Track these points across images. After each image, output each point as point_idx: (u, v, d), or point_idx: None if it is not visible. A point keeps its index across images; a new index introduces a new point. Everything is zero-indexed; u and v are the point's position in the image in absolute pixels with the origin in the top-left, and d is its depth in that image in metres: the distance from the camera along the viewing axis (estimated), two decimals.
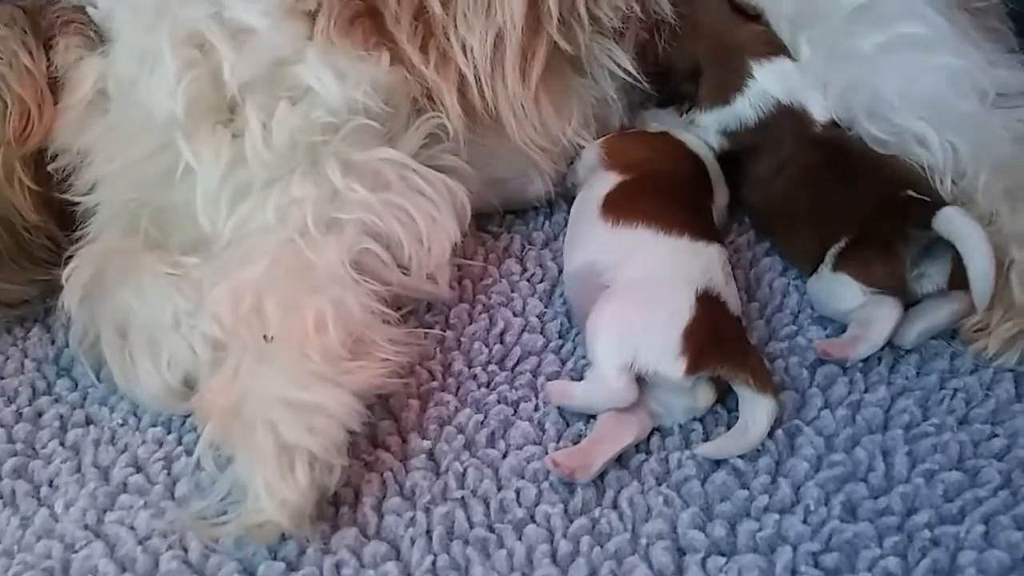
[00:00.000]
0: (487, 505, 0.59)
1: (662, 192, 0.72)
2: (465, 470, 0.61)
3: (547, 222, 0.82)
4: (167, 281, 0.67)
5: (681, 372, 0.61)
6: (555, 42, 0.74)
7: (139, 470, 0.63)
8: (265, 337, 0.61)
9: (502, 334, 0.72)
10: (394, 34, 0.72)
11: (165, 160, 0.68)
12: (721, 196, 0.78)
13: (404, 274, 0.69)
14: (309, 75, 0.68)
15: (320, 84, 0.68)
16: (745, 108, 0.75)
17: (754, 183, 0.76)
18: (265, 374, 0.60)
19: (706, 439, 0.63)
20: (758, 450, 0.61)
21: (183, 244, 0.69)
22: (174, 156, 0.68)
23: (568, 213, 0.79)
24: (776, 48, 0.76)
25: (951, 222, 0.63)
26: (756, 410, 0.61)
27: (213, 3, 0.70)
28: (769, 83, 0.74)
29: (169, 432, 0.65)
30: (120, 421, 0.66)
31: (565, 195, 0.82)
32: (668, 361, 0.61)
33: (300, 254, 0.65)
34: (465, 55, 0.73)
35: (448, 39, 0.73)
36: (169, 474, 0.62)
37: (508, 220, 0.83)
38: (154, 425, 0.66)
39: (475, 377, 0.68)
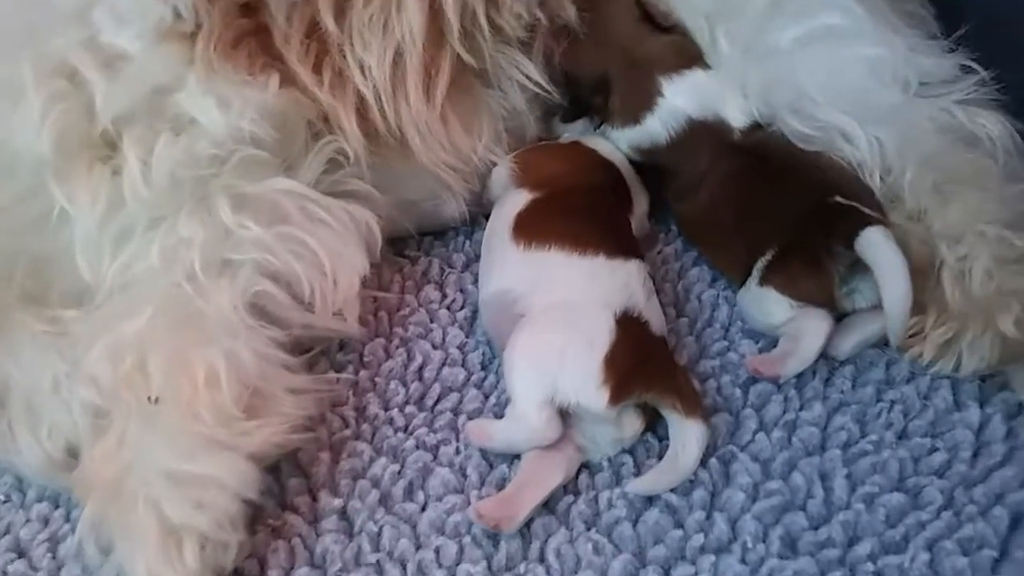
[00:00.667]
0: (404, 568, 0.55)
1: (576, 208, 0.68)
2: (380, 529, 0.57)
3: (467, 242, 0.78)
4: (45, 340, 0.61)
5: (604, 402, 0.57)
6: (459, 55, 0.69)
7: (21, 555, 0.57)
8: (150, 399, 0.56)
9: (421, 369, 0.67)
10: (284, 54, 0.66)
11: (37, 205, 0.62)
12: (640, 203, 0.74)
13: (309, 313, 0.64)
14: (190, 104, 0.63)
15: (202, 113, 0.62)
16: (656, 127, 0.71)
17: (676, 193, 0.73)
18: (150, 442, 0.54)
19: (637, 472, 0.59)
20: (691, 481, 0.58)
21: (63, 296, 0.63)
22: (46, 200, 0.62)
23: None
24: (688, 59, 0.72)
25: (872, 247, 0.60)
26: (686, 436, 0.57)
27: (83, 27, 0.64)
28: (679, 100, 0.71)
29: (56, 507, 0.60)
30: (2, 497, 0.61)
31: (485, 212, 0.78)
32: (590, 392, 0.57)
33: (188, 302, 0.59)
34: (363, 74, 0.68)
35: (344, 58, 0.67)
36: (54, 558, 0.57)
37: (426, 242, 0.78)
38: (40, 500, 0.60)
39: (391, 421, 0.64)
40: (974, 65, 0.71)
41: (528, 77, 0.72)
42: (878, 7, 0.73)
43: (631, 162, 0.74)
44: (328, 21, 0.67)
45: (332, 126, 0.67)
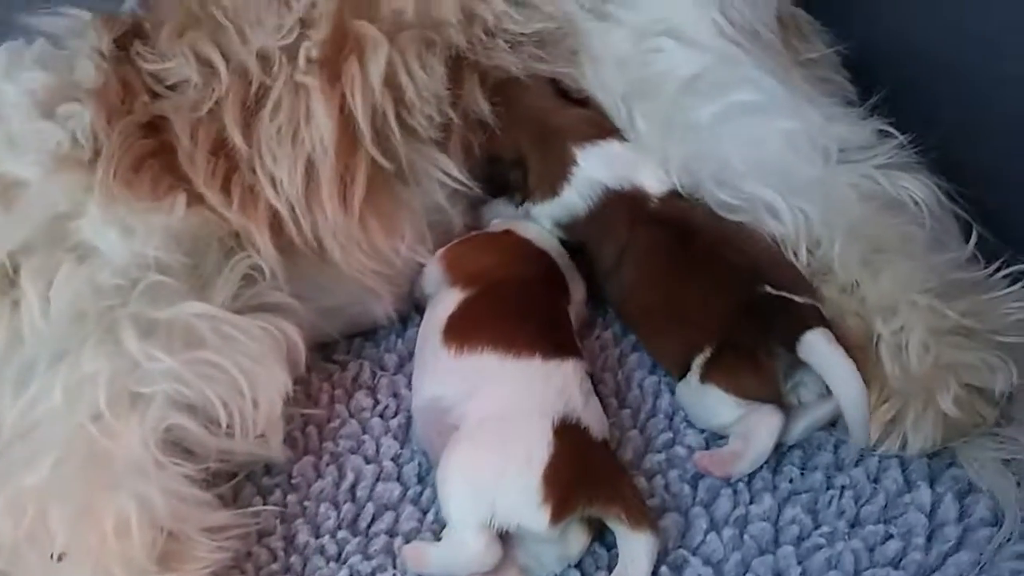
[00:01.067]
0: None
1: (509, 305, 0.65)
2: None
3: (399, 340, 0.75)
4: None
5: (546, 523, 0.54)
6: (373, 159, 0.68)
7: None
8: (53, 556, 0.52)
9: (353, 488, 0.64)
10: (190, 175, 0.64)
11: None
12: (578, 291, 0.72)
13: (228, 439, 0.61)
14: (91, 233, 0.61)
15: (104, 243, 0.60)
16: (573, 199, 0.70)
17: (605, 273, 0.70)
18: None
19: None
20: None
21: None
22: None
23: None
24: (602, 131, 0.71)
25: (815, 352, 0.59)
26: (634, 549, 0.55)
27: None
28: (594, 169, 0.70)
29: None
30: None
31: (418, 306, 0.75)
32: (530, 512, 0.54)
33: (93, 444, 0.56)
34: (275, 188, 0.66)
35: (254, 173, 0.66)
36: None
37: (356, 344, 0.75)
38: None
39: (323, 550, 0.60)
40: (891, 129, 0.72)
41: (446, 174, 0.70)
42: (791, 78, 0.73)
43: (564, 245, 0.72)
44: (235, 136, 0.65)
45: (244, 243, 0.65)
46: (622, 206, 0.69)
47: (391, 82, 0.68)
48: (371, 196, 0.68)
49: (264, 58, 0.68)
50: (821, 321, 0.61)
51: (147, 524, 0.53)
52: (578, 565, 0.57)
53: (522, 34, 0.72)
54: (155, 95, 0.67)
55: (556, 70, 0.73)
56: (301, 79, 0.67)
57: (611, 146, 0.70)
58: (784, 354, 0.60)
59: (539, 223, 0.72)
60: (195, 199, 0.64)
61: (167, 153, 0.65)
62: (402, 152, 0.69)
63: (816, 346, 0.59)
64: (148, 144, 0.64)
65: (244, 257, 0.65)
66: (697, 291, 0.64)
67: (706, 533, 0.58)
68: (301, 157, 0.66)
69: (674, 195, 0.70)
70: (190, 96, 0.66)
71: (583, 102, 0.73)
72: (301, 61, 0.67)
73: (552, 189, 0.71)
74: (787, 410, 0.61)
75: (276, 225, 0.66)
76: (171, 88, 0.67)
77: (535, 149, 0.72)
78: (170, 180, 0.64)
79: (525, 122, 0.72)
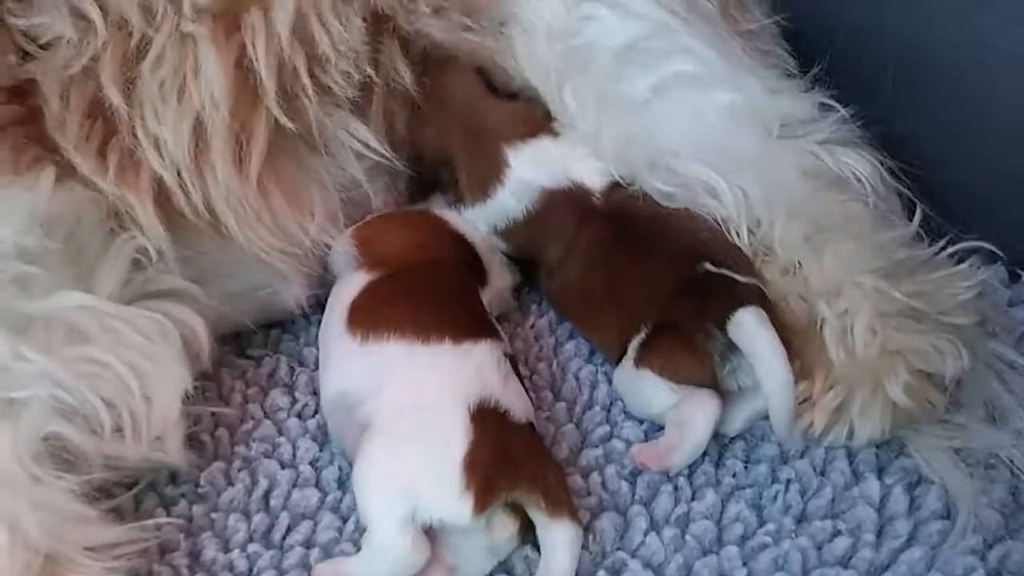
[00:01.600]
0: None
1: (416, 289, 0.61)
2: None
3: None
4: None
5: (469, 511, 0.50)
6: (276, 120, 0.61)
7: None
8: None
9: (267, 496, 0.58)
10: (59, 142, 0.57)
11: None
12: (499, 279, 0.67)
13: (118, 445, 0.54)
14: None
15: None
16: (508, 202, 0.66)
17: (548, 271, 0.66)
18: None
19: None
20: None
21: None
22: None
23: None
24: (534, 127, 0.67)
25: (744, 333, 0.56)
26: (555, 542, 0.51)
27: None
28: (527, 170, 0.65)
29: None
30: None
31: None
32: (452, 503, 0.50)
33: None
34: (159, 152, 0.58)
35: (135, 136, 0.58)
36: None
37: (273, 337, 0.69)
38: None
39: (231, 566, 0.54)
40: (833, 103, 0.69)
41: (362, 143, 0.64)
42: (731, 49, 0.69)
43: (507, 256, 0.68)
44: (112, 95, 0.58)
45: (126, 221, 0.58)
46: (565, 205, 0.65)
47: (301, 34, 0.61)
48: (272, 162, 0.62)
49: (146, 8, 0.60)
50: (759, 300, 0.58)
51: (19, 546, 0.47)
52: (508, 569, 0.53)
53: None
54: (26, 55, 0.59)
55: (485, 44, 0.67)
56: (188, 28, 0.60)
57: (544, 143, 0.66)
58: (720, 335, 0.57)
59: (472, 226, 0.67)
60: (67, 172, 0.56)
61: (33, 120, 0.57)
62: (311, 113, 0.62)
63: (745, 325, 0.56)
64: (10, 111, 0.56)
65: (128, 238, 0.58)
66: (636, 275, 0.61)
67: (646, 534, 0.55)
68: (188, 114, 0.59)
69: (614, 186, 0.66)
70: (63, 54, 0.58)
71: (513, 95, 0.68)
72: (187, 9, 0.60)
73: (484, 192, 0.66)
74: (726, 397, 0.58)
75: (161, 196, 0.59)
76: (44, 48, 0.59)
77: (464, 150, 0.67)
78: (36, 151, 0.56)
79: (453, 120, 0.67)
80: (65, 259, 0.54)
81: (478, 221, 0.67)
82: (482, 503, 0.51)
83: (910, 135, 0.70)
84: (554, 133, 0.67)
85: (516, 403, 0.56)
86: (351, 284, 0.62)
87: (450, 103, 0.67)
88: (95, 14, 0.58)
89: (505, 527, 0.53)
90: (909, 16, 0.77)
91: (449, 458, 0.51)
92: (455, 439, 0.52)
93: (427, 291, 0.61)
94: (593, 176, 0.65)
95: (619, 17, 0.66)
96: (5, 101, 0.56)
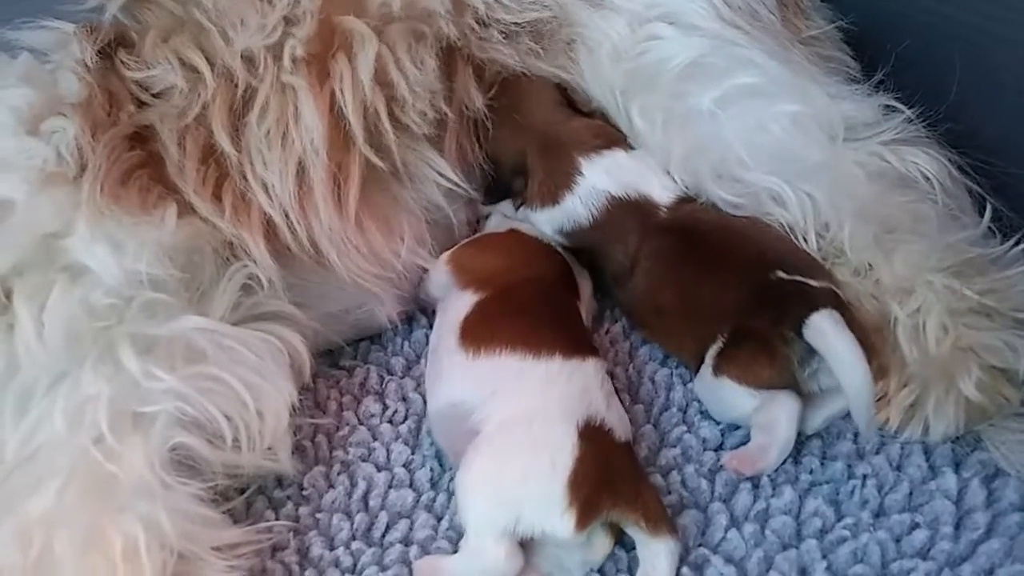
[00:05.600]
0: None
1: (525, 306, 0.64)
2: None
3: (406, 343, 0.73)
4: None
5: (571, 529, 0.53)
6: (367, 159, 0.66)
7: None
8: None
9: (365, 496, 0.63)
10: (179, 184, 0.63)
11: None
12: (585, 288, 0.70)
13: (235, 455, 0.59)
14: (81, 251, 0.59)
15: (94, 260, 0.58)
16: (576, 206, 0.68)
17: (613, 278, 0.69)
18: None
19: None
20: None
21: None
22: None
23: (429, 327, 0.70)
24: (608, 141, 0.69)
25: (821, 336, 0.57)
26: (655, 556, 0.53)
27: None
28: (598, 179, 0.68)
29: None
30: None
31: (423, 308, 0.74)
32: (555, 518, 0.53)
33: (98, 467, 0.54)
34: (267, 194, 0.64)
35: (245, 179, 0.64)
36: None
37: (363, 348, 0.74)
38: None
39: (338, 562, 0.59)
40: (897, 104, 0.70)
41: (440, 174, 0.69)
42: (793, 58, 0.71)
43: (566, 250, 0.70)
44: (223, 142, 0.63)
45: (240, 252, 0.63)
46: (631, 214, 0.68)
47: (382, 78, 0.67)
48: (366, 197, 0.67)
49: (249, 59, 0.66)
50: (834, 303, 0.59)
51: (156, 547, 0.52)
52: (599, 570, 0.56)
53: (515, 24, 0.70)
54: (141, 104, 0.65)
55: (554, 65, 0.71)
56: (288, 79, 0.65)
57: (616, 155, 0.69)
58: (797, 339, 0.58)
59: (538, 228, 0.70)
60: (186, 209, 0.62)
61: (155, 164, 0.63)
62: (396, 150, 0.67)
63: (821, 328, 0.57)
64: (135, 156, 0.63)
65: (241, 267, 0.63)
66: (709, 286, 0.63)
67: (727, 530, 0.57)
68: (292, 159, 0.64)
69: (682, 200, 0.68)
70: (176, 103, 0.65)
71: (590, 113, 0.72)
72: (287, 60, 0.66)
73: (553, 198, 0.69)
74: (806, 398, 0.60)
75: (270, 232, 0.64)
76: (157, 96, 0.66)
77: (539, 160, 0.70)
78: (159, 191, 0.62)
79: (530, 132, 0.71)
80: (185, 287, 0.60)
81: (544, 223, 0.70)
82: (584, 521, 0.53)
83: (980, 131, 0.70)
84: (629, 148, 0.70)
85: (618, 422, 0.58)
86: (460, 303, 0.65)
87: (529, 115, 0.71)
88: (203, 66, 0.64)
89: (602, 543, 0.55)
90: (974, 12, 0.77)
91: (556, 474, 0.53)
92: (563, 455, 0.54)
93: (535, 308, 0.63)
94: (661, 191, 0.68)
95: (682, 35, 0.69)
96: (129, 148, 0.62)
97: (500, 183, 0.72)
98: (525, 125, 0.71)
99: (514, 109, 0.71)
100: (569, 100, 0.72)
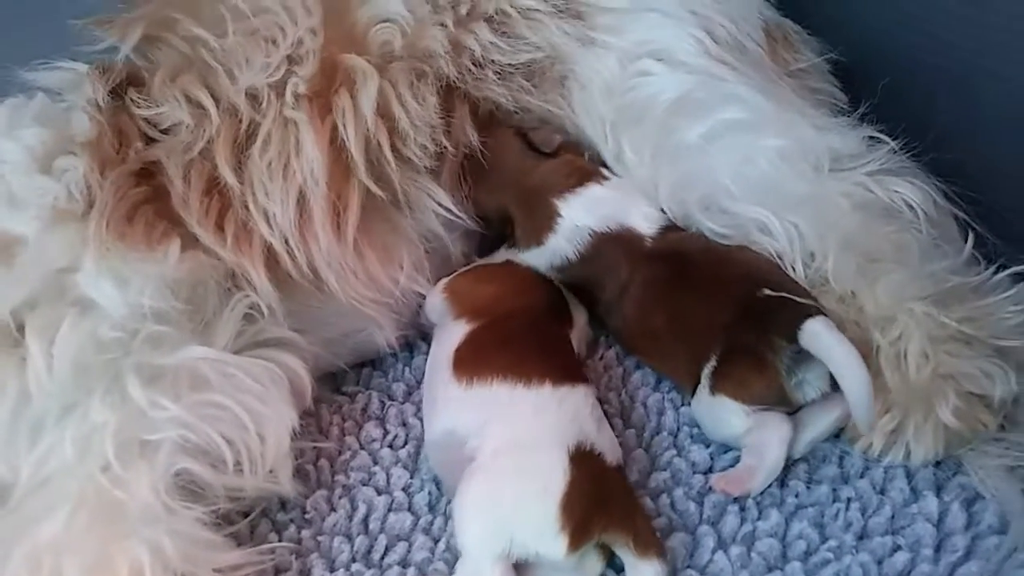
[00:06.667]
0: None
1: (515, 336, 0.66)
2: None
3: (407, 368, 0.76)
4: None
5: (563, 550, 0.54)
6: (367, 188, 0.68)
7: None
8: None
9: (366, 519, 0.64)
10: (183, 216, 0.65)
11: None
12: (579, 317, 0.72)
13: (238, 479, 0.61)
14: (88, 286, 0.61)
15: (101, 295, 0.61)
16: (561, 244, 0.71)
17: (606, 308, 0.71)
18: None
19: None
20: None
21: None
22: None
23: (428, 353, 0.72)
24: (580, 177, 0.72)
25: (816, 339, 0.59)
26: None
27: None
28: (577, 216, 0.70)
29: None
30: None
31: (423, 334, 0.76)
32: (548, 540, 0.54)
33: (105, 494, 0.57)
34: (268, 223, 0.66)
35: (247, 209, 0.66)
36: None
37: (365, 374, 0.76)
38: None
39: None
40: (882, 136, 0.72)
41: (439, 204, 0.71)
42: (779, 91, 0.73)
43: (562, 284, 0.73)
44: (227, 174, 0.66)
45: (241, 282, 0.66)
46: (617, 246, 0.70)
47: (384, 112, 0.69)
48: (366, 225, 0.69)
49: (253, 96, 0.69)
50: (822, 313, 0.61)
51: (160, 570, 0.54)
52: None
53: (510, 65, 0.73)
54: (149, 140, 0.68)
55: (544, 100, 0.73)
56: (290, 114, 0.68)
57: (591, 190, 0.71)
58: (786, 347, 0.60)
59: (532, 264, 0.73)
60: (189, 242, 0.65)
61: (160, 198, 0.66)
62: (397, 181, 0.69)
63: (817, 332, 0.59)
64: (141, 192, 0.65)
65: (243, 297, 0.66)
66: (698, 307, 0.65)
67: (713, 552, 0.58)
68: (293, 189, 0.67)
69: (666, 229, 0.70)
70: (182, 138, 0.67)
71: (555, 152, 0.73)
72: (289, 96, 0.68)
73: (537, 239, 0.71)
74: (794, 415, 0.62)
75: (271, 260, 0.67)
76: (165, 132, 0.68)
77: (519, 210, 0.73)
78: (164, 226, 0.64)
79: (505, 181, 0.73)
80: (189, 318, 0.63)
81: (534, 261, 0.72)
82: (576, 543, 0.54)
83: (964, 160, 0.72)
84: (602, 179, 0.72)
85: (608, 447, 0.60)
86: (453, 333, 0.67)
87: (500, 166, 0.73)
88: (208, 103, 0.67)
89: (594, 566, 0.57)
90: (958, 47, 0.79)
91: (548, 498, 0.55)
92: (555, 480, 0.56)
93: (526, 338, 0.65)
94: (643, 222, 0.70)
95: (670, 71, 0.72)
96: (135, 184, 0.65)
97: (492, 232, 0.74)
98: (498, 179, 0.73)
99: (485, 165, 0.73)
100: (530, 144, 0.74)
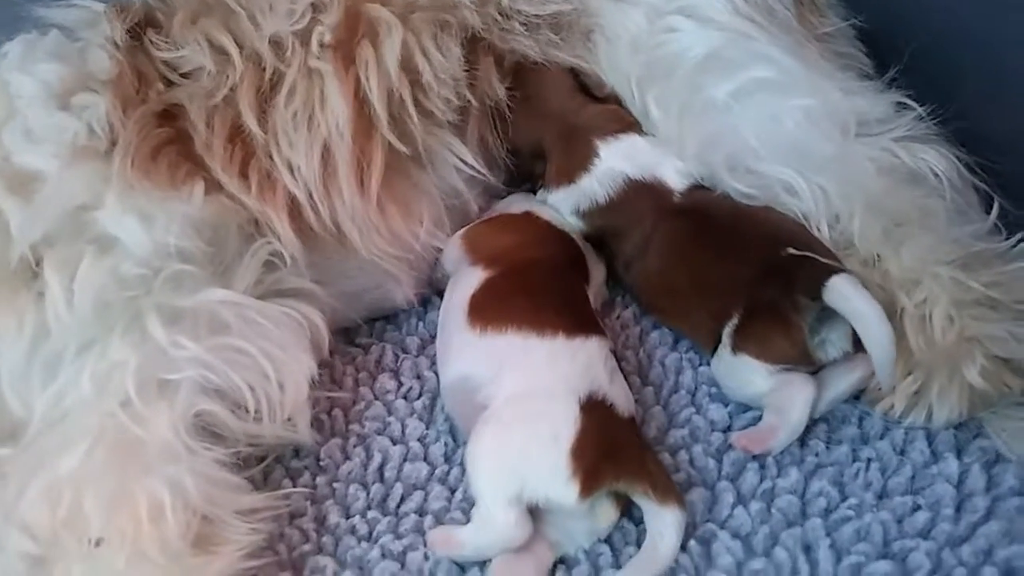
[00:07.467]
0: None
1: (532, 285, 0.66)
2: None
3: (420, 323, 0.75)
4: None
5: (575, 496, 0.55)
6: (390, 144, 0.68)
7: None
8: (90, 541, 0.52)
9: (381, 468, 0.64)
10: (207, 161, 0.64)
11: None
12: (597, 273, 0.72)
13: (256, 424, 0.61)
14: (111, 223, 0.60)
15: (124, 232, 0.60)
16: (593, 186, 0.70)
17: (626, 262, 0.71)
18: None
19: (616, 563, 0.56)
20: (673, 568, 0.55)
21: None
22: None
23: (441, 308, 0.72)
24: (624, 125, 0.71)
25: (841, 295, 0.59)
26: (662, 524, 0.55)
27: None
28: (615, 161, 0.70)
29: None
30: None
31: (437, 291, 0.75)
32: (559, 486, 0.55)
33: (124, 430, 0.56)
34: (292, 174, 0.66)
35: (271, 159, 0.66)
36: None
37: (378, 328, 0.76)
38: None
39: (354, 530, 0.61)
40: (909, 101, 0.71)
41: (462, 160, 0.70)
42: (807, 54, 0.73)
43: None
44: (251, 122, 0.65)
45: (264, 229, 0.65)
46: (646, 196, 0.69)
47: (407, 65, 0.68)
48: (388, 180, 0.68)
49: (277, 44, 0.67)
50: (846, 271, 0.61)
51: (181, 508, 0.54)
52: (607, 540, 0.58)
53: (537, 16, 0.72)
54: (169, 83, 0.67)
55: (572, 55, 0.73)
56: (315, 64, 0.67)
57: (633, 139, 0.71)
58: (809, 305, 0.60)
59: (556, 209, 0.72)
60: (213, 186, 0.64)
61: (184, 141, 0.65)
62: (419, 136, 0.69)
63: (842, 289, 0.59)
64: (164, 132, 0.64)
65: (264, 243, 0.65)
66: (721, 264, 0.64)
67: (733, 507, 0.59)
68: (317, 142, 0.66)
69: (694, 188, 0.70)
70: (204, 83, 0.66)
71: (604, 99, 0.73)
72: (314, 46, 0.67)
73: (570, 177, 0.71)
74: (815, 374, 0.61)
75: (294, 210, 0.66)
76: (185, 76, 0.67)
77: (557, 144, 0.72)
78: (188, 167, 0.64)
79: (547, 119, 0.73)
80: (210, 260, 0.62)
81: (561, 203, 0.72)
82: (587, 489, 0.55)
83: (988, 130, 0.72)
84: (643, 133, 0.71)
85: (620, 398, 0.60)
86: (470, 279, 0.67)
87: (546, 102, 0.72)
88: (232, 48, 0.66)
89: (607, 513, 0.57)
90: (984, 15, 0.79)
91: (558, 445, 0.55)
92: (565, 428, 0.56)
93: (542, 288, 0.65)
94: (674, 175, 0.69)
95: (699, 28, 0.71)
96: (158, 125, 0.64)
97: (521, 168, 0.74)
98: (542, 112, 0.72)
99: (531, 97, 0.73)
100: (582, 86, 0.73)
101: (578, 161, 0.70)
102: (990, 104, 0.75)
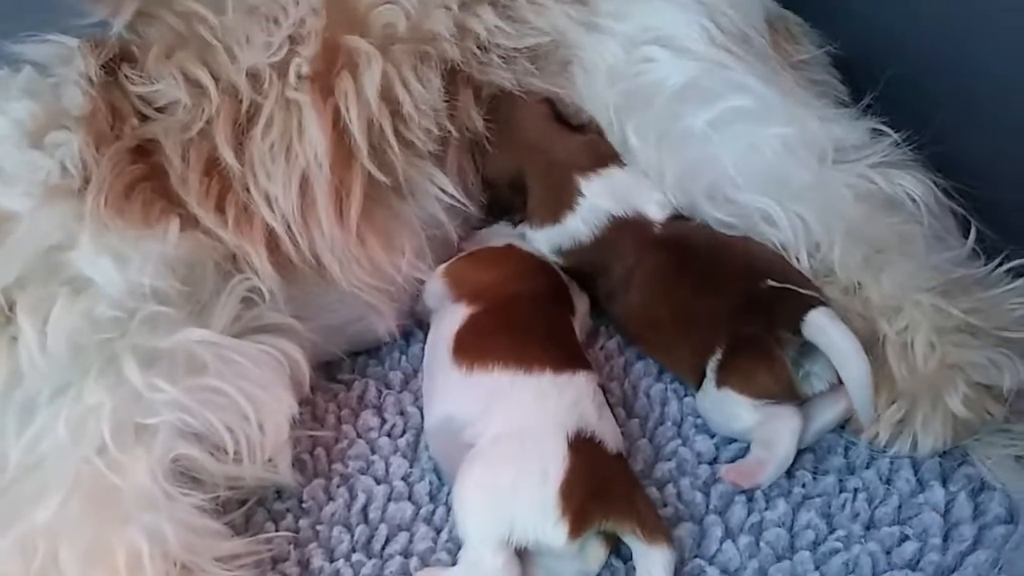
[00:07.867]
0: None
1: (517, 321, 0.65)
2: None
3: (403, 357, 0.74)
4: None
5: (564, 537, 0.54)
6: (370, 174, 0.67)
7: None
8: None
9: (365, 509, 0.63)
10: (182, 196, 0.63)
11: None
12: (581, 304, 0.72)
13: (236, 466, 0.60)
14: (84, 264, 0.59)
15: (98, 273, 0.59)
16: (577, 226, 0.70)
17: (607, 295, 0.70)
18: None
19: None
20: None
21: None
22: None
23: (426, 342, 0.71)
24: (603, 158, 0.71)
25: (820, 330, 0.59)
26: (651, 564, 0.54)
27: None
28: (598, 198, 0.70)
29: None
30: None
31: (421, 322, 0.75)
32: (548, 527, 0.54)
33: (101, 478, 0.55)
34: (270, 206, 0.65)
35: (248, 192, 0.65)
36: None
37: (360, 362, 0.74)
38: None
39: (338, 574, 0.60)
40: (885, 128, 0.72)
41: (442, 190, 0.70)
42: (783, 81, 0.73)
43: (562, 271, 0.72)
44: (227, 155, 0.64)
45: (242, 264, 0.64)
46: (628, 232, 0.69)
47: (387, 95, 0.68)
48: (368, 211, 0.68)
49: (254, 76, 0.67)
50: (824, 304, 0.61)
51: (159, 557, 0.53)
52: None
53: (515, 49, 0.72)
54: (144, 118, 0.66)
55: (550, 85, 0.73)
56: (292, 95, 0.66)
57: (613, 173, 0.70)
58: (791, 339, 0.60)
59: (535, 247, 0.72)
60: (189, 222, 0.63)
61: (158, 177, 0.64)
62: (400, 166, 0.68)
63: (820, 323, 0.59)
64: (138, 169, 0.63)
65: (242, 279, 0.64)
66: (702, 298, 0.64)
67: (721, 541, 0.58)
68: (295, 173, 0.65)
69: (675, 218, 0.70)
70: (180, 117, 0.66)
71: (581, 127, 0.73)
72: (291, 77, 0.67)
73: (554, 216, 0.70)
74: (802, 405, 0.61)
75: (272, 243, 0.65)
76: (160, 110, 0.67)
77: (537, 179, 0.72)
78: (162, 204, 0.63)
79: (524, 151, 0.72)
80: (187, 299, 0.61)
81: (542, 242, 0.71)
82: (577, 530, 0.54)
83: (963, 155, 0.72)
84: (621, 165, 0.71)
85: (609, 434, 0.59)
86: (453, 316, 0.66)
87: (523, 134, 0.72)
88: (207, 81, 0.65)
89: (596, 553, 0.57)
90: (957, 43, 0.80)
91: (547, 485, 0.54)
92: (553, 467, 0.55)
93: (527, 323, 0.64)
94: (655, 208, 0.69)
95: (676, 58, 0.71)
96: (132, 161, 0.63)
97: (497, 201, 0.73)
98: (519, 144, 0.72)
99: (507, 128, 0.72)
100: (558, 115, 0.73)
101: (561, 200, 0.70)
102: (965, 129, 0.75)
